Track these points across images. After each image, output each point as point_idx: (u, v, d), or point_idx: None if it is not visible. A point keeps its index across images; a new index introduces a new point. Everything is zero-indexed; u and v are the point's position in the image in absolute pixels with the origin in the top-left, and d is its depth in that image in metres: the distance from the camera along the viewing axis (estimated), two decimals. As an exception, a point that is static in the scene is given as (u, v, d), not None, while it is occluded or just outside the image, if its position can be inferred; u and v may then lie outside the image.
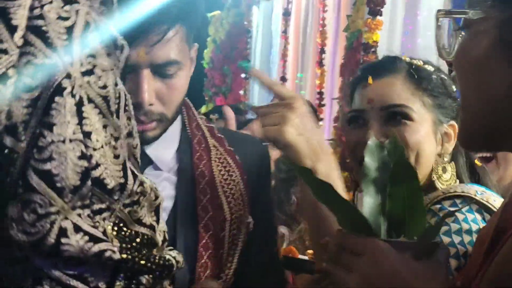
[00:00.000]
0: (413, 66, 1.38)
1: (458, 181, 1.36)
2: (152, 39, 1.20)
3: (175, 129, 1.36)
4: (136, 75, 1.20)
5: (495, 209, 1.21)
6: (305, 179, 0.93)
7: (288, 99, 1.24)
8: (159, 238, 0.69)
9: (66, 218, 0.62)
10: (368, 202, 0.93)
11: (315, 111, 3.46)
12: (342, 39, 3.84)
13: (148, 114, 1.23)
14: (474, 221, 1.23)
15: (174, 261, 0.70)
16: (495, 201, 1.27)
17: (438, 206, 1.26)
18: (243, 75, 5.31)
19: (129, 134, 0.69)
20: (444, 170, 1.36)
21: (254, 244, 1.39)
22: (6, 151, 0.61)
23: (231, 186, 1.34)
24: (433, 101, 1.36)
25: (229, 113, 1.92)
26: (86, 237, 0.63)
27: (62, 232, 0.62)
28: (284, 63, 4.81)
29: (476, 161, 1.45)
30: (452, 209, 1.24)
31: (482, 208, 1.26)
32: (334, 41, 4.27)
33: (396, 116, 1.34)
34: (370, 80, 1.38)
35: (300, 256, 2.50)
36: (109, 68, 0.66)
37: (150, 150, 1.31)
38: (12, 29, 0.60)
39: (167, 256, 0.69)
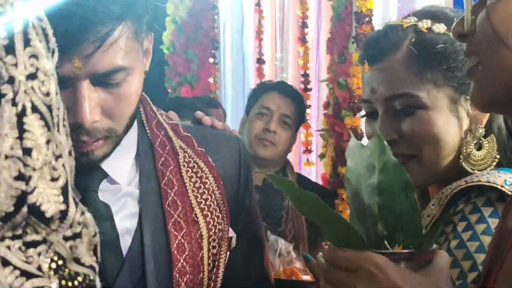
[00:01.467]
0: (416, 36, 1.37)
1: (498, 158, 1.34)
2: (89, 46, 1.14)
3: (131, 132, 1.35)
4: (74, 89, 1.16)
5: None
6: (285, 190, 0.96)
7: None
8: (98, 283, 0.69)
9: None
10: (354, 211, 0.98)
11: (301, 97, 3.47)
12: (328, 8, 3.84)
13: (91, 133, 1.21)
14: (494, 215, 1.21)
15: None
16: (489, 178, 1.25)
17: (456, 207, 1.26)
18: (211, 60, 5.30)
19: (70, 153, 0.69)
20: (479, 147, 1.34)
21: (236, 262, 1.40)
22: None
23: (206, 196, 1.35)
24: (446, 75, 1.35)
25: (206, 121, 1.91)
26: (17, 272, 0.62)
27: None
28: (259, 42, 4.83)
29: None
30: (468, 209, 1.23)
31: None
32: (318, 12, 4.28)
33: (405, 106, 1.34)
34: (366, 67, 1.39)
35: (304, 277, 2.55)
36: (50, 73, 0.66)
37: (103, 161, 1.29)
38: None
39: None
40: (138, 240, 1.26)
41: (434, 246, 0.95)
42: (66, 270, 0.65)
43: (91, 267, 0.68)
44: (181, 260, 1.27)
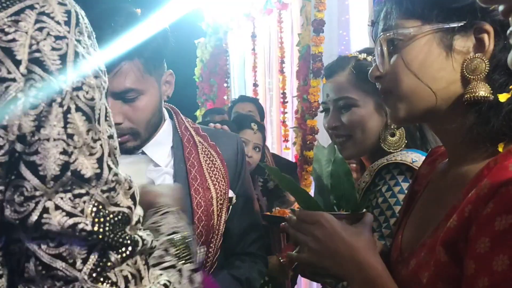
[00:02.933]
0: (355, 63, 1.34)
1: (407, 142, 1.30)
2: (111, 72, 1.14)
3: (166, 132, 1.34)
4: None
5: None
6: (274, 175, 0.94)
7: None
8: (135, 218, 0.67)
9: (49, 199, 0.60)
10: (317, 188, 0.96)
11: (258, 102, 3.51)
12: (296, 52, 3.84)
13: (119, 130, 1.18)
14: (405, 180, 1.20)
15: (140, 240, 0.66)
16: (402, 157, 1.22)
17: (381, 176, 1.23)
18: (225, 85, 5.30)
19: (110, 137, 0.66)
20: (393, 134, 1.30)
21: (236, 212, 1.39)
22: (16, 154, 0.60)
23: (215, 172, 1.34)
24: (373, 87, 1.32)
25: (217, 126, 1.88)
26: (64, 214, 0.60)
27: (45, 210, 0.60)
28: (255, 72, 4.79)
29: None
30: (388, 176, 1.21)
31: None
32: (291, 53, 4.26)
33: (345, 104, 1.33)
34: (324, 80, 1.39)
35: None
36: (95, 86, 0.64)
37: (149, 151, 1.29)
38: (17, 63, 0.59)
39: (135, 236, 0.66)
40: None
41: (364, 210, 0.94)
42: (106, 211, 0.63)
43: (128, 207, 0.65)
44: (199, 212, 1.27)
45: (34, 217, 0.60)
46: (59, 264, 0.61)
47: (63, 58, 0.61)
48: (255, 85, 4.73)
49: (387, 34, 0.83)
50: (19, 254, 0.62)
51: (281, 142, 4.30)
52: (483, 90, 0.77)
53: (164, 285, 0.69)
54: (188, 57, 5.50)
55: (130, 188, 0.67)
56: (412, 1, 0.82)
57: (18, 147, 0.60)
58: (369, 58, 1.34)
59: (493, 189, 0.67)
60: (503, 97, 0.76)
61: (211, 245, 1.30)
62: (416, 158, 1.22)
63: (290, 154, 4.22)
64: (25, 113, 0.59)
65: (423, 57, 0.80)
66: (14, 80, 0.59)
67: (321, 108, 1.45)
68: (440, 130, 0.87)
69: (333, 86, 1.36)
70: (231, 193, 1.37)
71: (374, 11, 0.92)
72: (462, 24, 0.79)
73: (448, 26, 0.79)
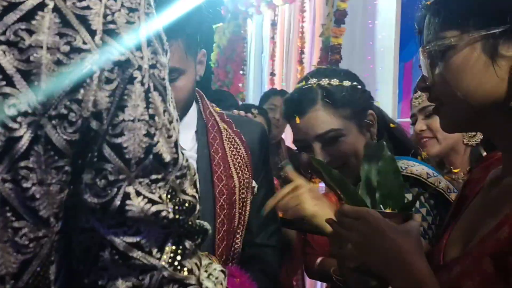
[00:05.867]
0: (324, 92, 1.28)
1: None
2: None
3: (192, 116, 1.31)
4: None
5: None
6: (322, 169, 0.94)
7: (294, 184, 1.16)
8: (198, 207, 0.65)
9: (129, 184, 0.58)
10: (364, 185, 0.95)
11: None
12: (316, 43, 3.78)
13: None
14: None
15: (208, 227, 0.65)
16: (417, 170, 1.20)
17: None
18: (241, 72, 5.25)
19: (177, 120, 0.64)
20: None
21: (256, 203, 1.36)
22: (92, 133, 0.57)
23: (239, 160, 1.30)
24: (351, 110, 1.27)
25: (241, 113, 1.85)
26: (146, 200, 0.58)
27: (126, 196, 0.58)
28: (272, 62, 4.76)
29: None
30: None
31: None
32: (311, 44, 4.22)
33: (330, 138, 1.26)
34: (297, 120, 1.29)
35: None
36: (165, 65, 0.62)
37: None
38: (92, 33, 0.55)
39: (203, 224, 0.65)
40: None
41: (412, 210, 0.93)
42: (178, 198, 0.61)
43: (193, 196, 0.64)
44: (221, 200, 1.24)
45: (117, 202, 0.58)
46: (136, 253, 0.59)
47: (136, 32, 0.58)
48: (272, 74, 4.69)
49: (427, 47, 0.82)
50: (91, 243, 0.60)
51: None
52: None
53: (222, 271, 0.68)
54: (204, 42, 5.45)
55: (194, 174, 0.65)
56: (450, 10, 0.81)
57: (94, 124, 0.56)
58: (334, 82, 1.29)
59: None
60: None
61: (237, 235, 1.27)
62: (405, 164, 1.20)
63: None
64: (101, 88, 0.56)
65: (467, 67, 0.78)
66: (89, 51, 0.55)
67: None
68: (494, 137, 0.85)
69: (313, 123, 1.28)
70: (253, 183, 1.33)
71: (416, 16, 0.89)
72: (505, 28, 0.76)
73: (489, 32, 0.77)
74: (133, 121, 0.57)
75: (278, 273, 1.36)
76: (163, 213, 0.59)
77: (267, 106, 3.19)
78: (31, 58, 0.53)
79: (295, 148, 1.42)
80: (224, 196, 1.25)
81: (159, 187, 0.60)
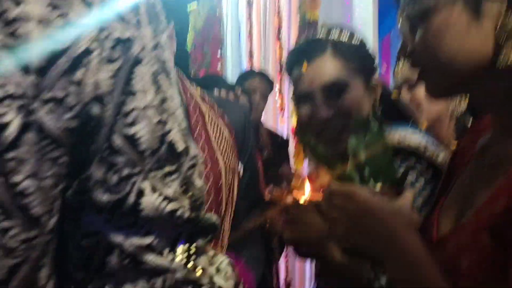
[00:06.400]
0: (335, 42, 1.24)
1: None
2: None
3: None
4: None
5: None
6: (310, 146, 0.95)
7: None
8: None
9: (144, 179, 0.53)
10: (353, 162, 0.93)
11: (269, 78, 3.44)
12: (293, 20, 3.75)
13: None
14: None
15: (216, 221, 0.61)
16: (414, 143, 1.17)
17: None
18: (218, 54, 5.20)
19: (181, 105, 0.60)
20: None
21: (242, 186, 1.34)
22: (93, 121, 0.51)
23: (223, 143, 1.28)
24: (360, 64, 1.25)
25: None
26: (161, 197, 0.53)
27: (141, 193, 0.53)
28: (250, 41, 4.71)
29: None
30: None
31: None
32: (288, 22, 4.17)
33: (336, 90, 1.22)
34: (304, 67, 1.24)
35: None
36: (167, 45, 0.57)
37: None
38: (89, 5, 0.51)
39: (211, 216, 0.60)
40: None
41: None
42: (191, 193, 0.57)
43: (201, 187, 0.60)
44: (207, 186, 1.21)
45: (131, 199, 0.52)
46: (147, 255, 0.53)
47: (136, 9, 0.53)
48: (250, 53, 4.64)
49: (406, 10, 0.80)
50: (96, 248, 0.54)
51: (277, 115, 4.24)
52: None
53: (228, 263, 0.63)
54: (180, 25, 5.36)
55: (202, 163, 0.61)
56: None
57: (96, 110, 0.51)
58: (343, 33, 1.25)
59: None
60: None
61: (224, 223, 1.25)
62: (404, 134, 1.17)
63: (285, 127, 4.17)
64: (101, 69, 0.50)
65: (448, 27, 0.76)
66: (86, 26, 0.50)
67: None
68: (481, 100, 0.82)
69: (320, 71, 1.23)
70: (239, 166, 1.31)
71: None
72: None
73: None
74: (144, 108, 0.52)
75: (264, 257, 1.34)
76: (179, 212, 0.54)
77: (245, 88, 3.13)
78: (18, 32, 0.47)
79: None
80: (210, 181, 1.22)
81: (173, 180, 0.55)
